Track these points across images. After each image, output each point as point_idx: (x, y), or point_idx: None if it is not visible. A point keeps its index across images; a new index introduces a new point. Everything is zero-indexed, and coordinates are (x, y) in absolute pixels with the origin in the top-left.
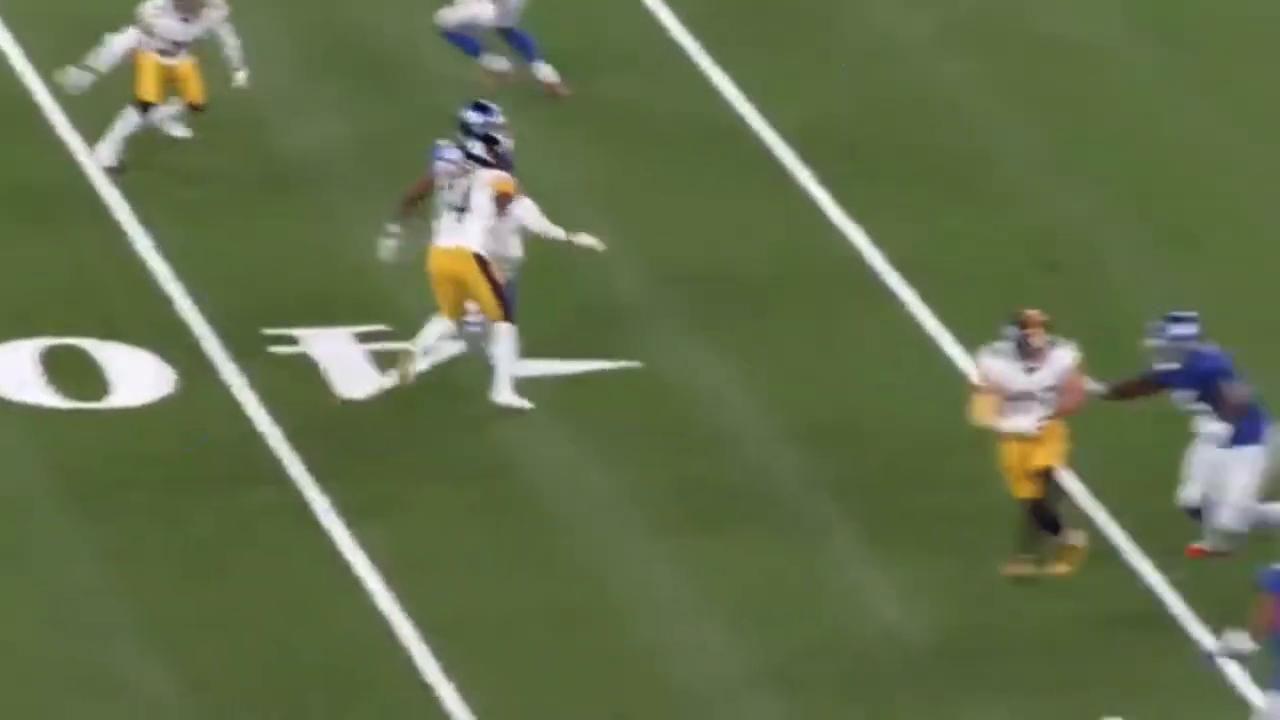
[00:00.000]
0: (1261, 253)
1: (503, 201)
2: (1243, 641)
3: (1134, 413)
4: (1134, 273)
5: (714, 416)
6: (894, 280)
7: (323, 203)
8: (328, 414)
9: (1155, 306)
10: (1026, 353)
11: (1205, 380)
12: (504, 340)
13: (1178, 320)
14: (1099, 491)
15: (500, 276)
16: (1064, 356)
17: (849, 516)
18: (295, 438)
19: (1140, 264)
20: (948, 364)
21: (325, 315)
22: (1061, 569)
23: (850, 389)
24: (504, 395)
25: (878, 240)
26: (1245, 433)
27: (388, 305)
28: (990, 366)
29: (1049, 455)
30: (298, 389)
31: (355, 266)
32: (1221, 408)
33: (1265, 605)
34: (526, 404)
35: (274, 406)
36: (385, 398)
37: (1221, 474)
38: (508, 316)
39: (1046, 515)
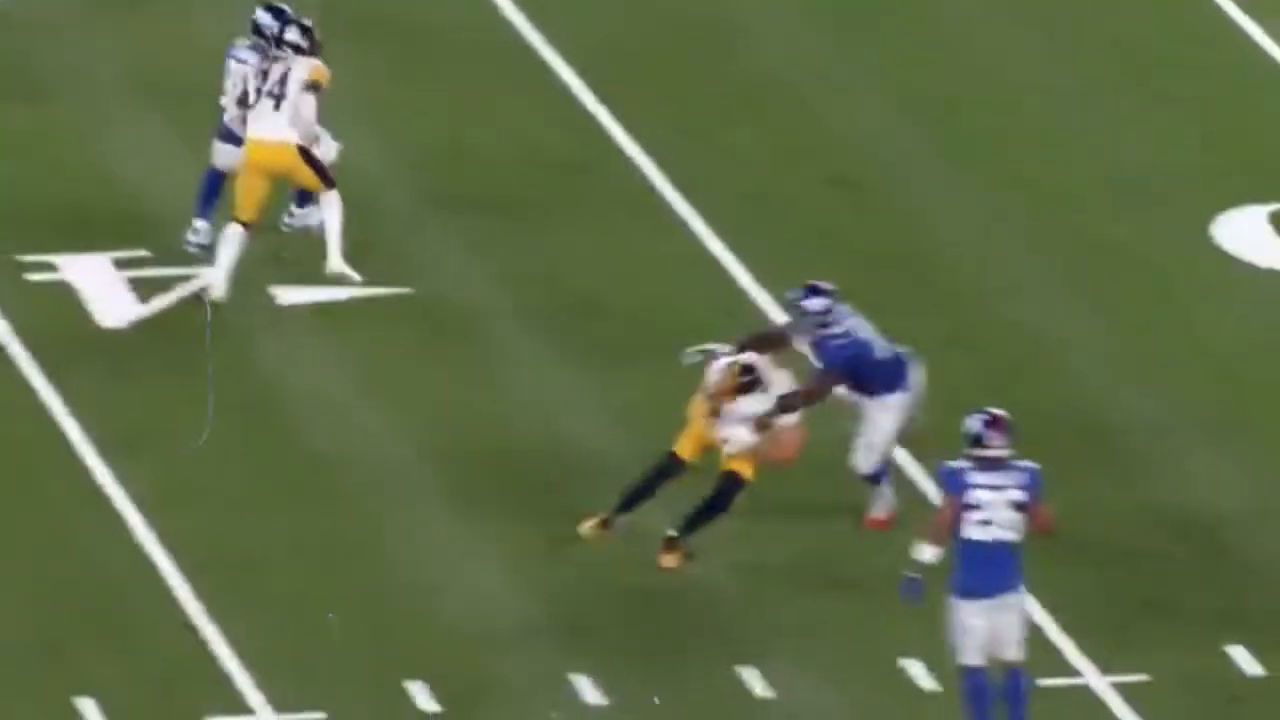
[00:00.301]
0: (1053, 165)
1: (315, 89)
2: (926, 551)
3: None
4: (927, 188)
5: (490, 345)
6: (678, 200)
7: (82, 122)
8: (86, 343)
9: (947, 222)
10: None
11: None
12: (332, 208)
13: (814, 292)
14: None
15: (317, 153)
16: (752, 405)
17: (633, 449)
18: (52, 368)
19: (933, 179)
20: (736, 287)
21: (84, 240)
22: (667, 562)
23: (635, 313)
24: (335, 264)
25: (661, 160)
26: (889, 381)
27: (149, 230)
28: (712, 372)
29: (741, 462)
30: (56, 317)
31: (116, 189)
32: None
33: (946, 506)
34: (357, 276)
35: (30, 336)
36: (146, 327)
37: (865, 420)
38: (331, 184)
39: (705, 510)
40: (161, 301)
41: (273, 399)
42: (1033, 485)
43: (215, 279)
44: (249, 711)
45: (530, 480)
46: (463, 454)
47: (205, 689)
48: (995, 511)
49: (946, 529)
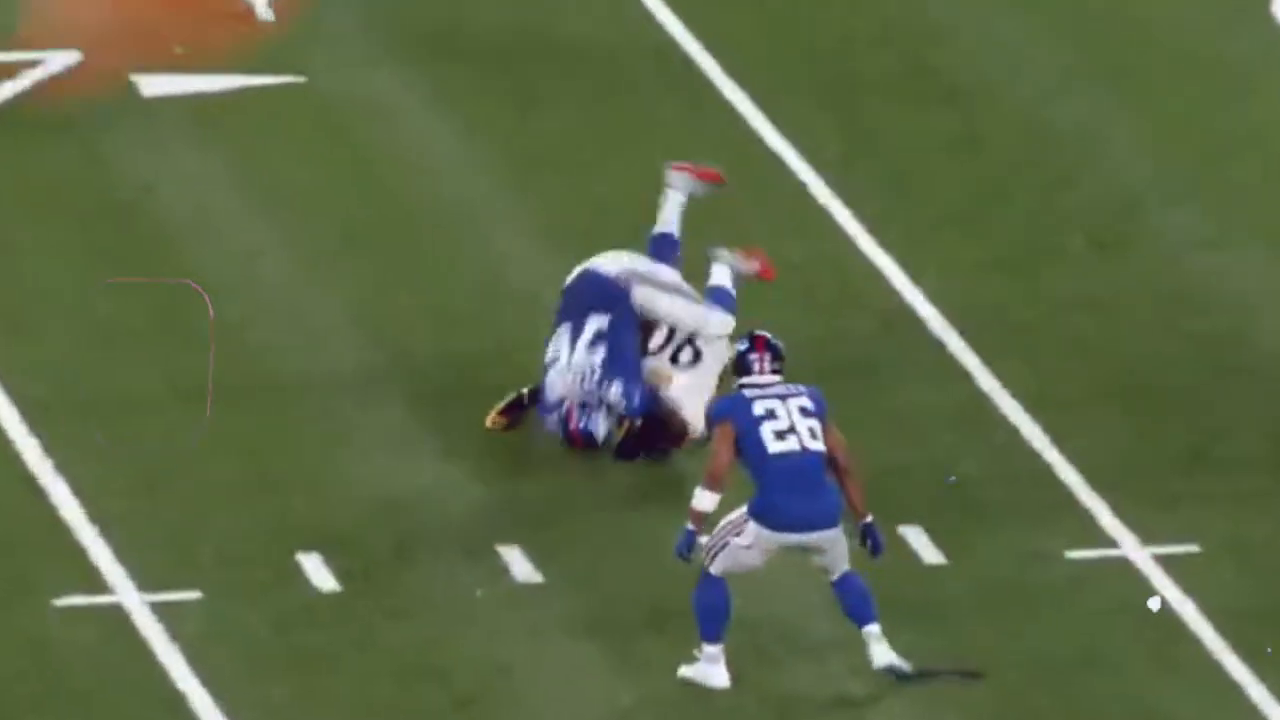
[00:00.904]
0: None
1: None
2: (706, 499)
3: None
4: None
5: (392, 141)
6: None
7: None
8: None
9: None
10: None
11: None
12: None
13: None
14: None
15: None
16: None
17: (560, 268)
18: None
19: None
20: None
21: None
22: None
23: (571, 104)
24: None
25: None
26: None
27: None
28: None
29: None
30: None
31: None
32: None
33: (721, 440)
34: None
35: None
36: None
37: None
38: None
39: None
40: None
41: (139, 209)
42: (817, 400)
43: None
44: (107, 591)
45: (444, 302)
46: (366, 273)
47: (52, 563)
48: (792, 418)
49: (725, 466)
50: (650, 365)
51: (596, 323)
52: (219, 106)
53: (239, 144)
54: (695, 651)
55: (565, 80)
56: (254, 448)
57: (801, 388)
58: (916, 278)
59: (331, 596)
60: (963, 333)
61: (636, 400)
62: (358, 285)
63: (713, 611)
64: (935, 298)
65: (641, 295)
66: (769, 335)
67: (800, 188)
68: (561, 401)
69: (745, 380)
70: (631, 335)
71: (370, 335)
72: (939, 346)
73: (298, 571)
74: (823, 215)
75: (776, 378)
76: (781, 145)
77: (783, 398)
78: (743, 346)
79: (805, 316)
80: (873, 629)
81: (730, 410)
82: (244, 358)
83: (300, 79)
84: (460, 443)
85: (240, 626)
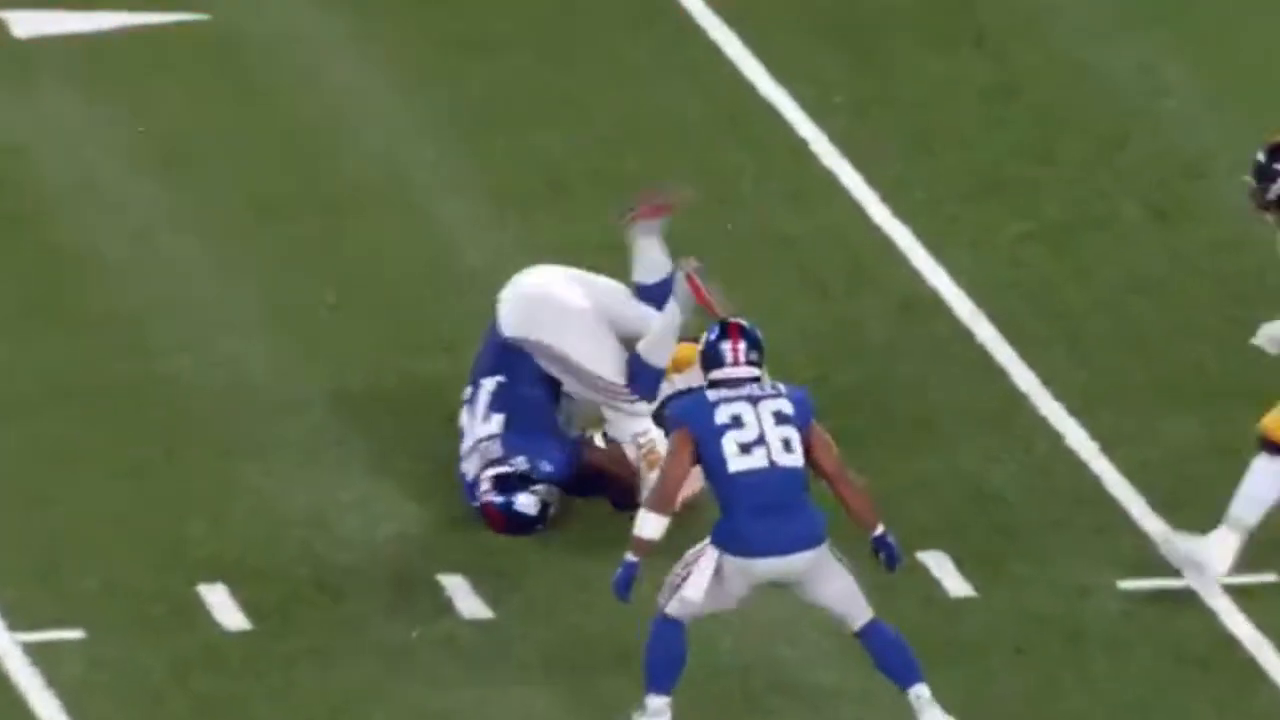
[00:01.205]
0: None
1: None
2: (649, 523)
3: None
4: None
5: (314, 93)
6: None
7: None
8: None
9: None
10: None
11: None
12: None
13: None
14: None
15: None
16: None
17: (507, 238)
18: None
19: None
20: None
21: None
22: None
23: (508, 49)
24: None
25: None
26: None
27: None
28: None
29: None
30: None
31: None
32: None
33: (676, 449)
34: None
35: None
36: None
37: None
38: None
39: None
40: None
41: (7, 175)
42: (799, 404)
43: None
44: None
45: (374, 284)
46: (281, 250)
47: None
48: (762, 426)
49: (678, 484)
50: (651, 435)
51: (490, 385)
52: (106, 49)
53: (129, 95)
54: (639, 706)
55: (517, 19)
56: (147, 460)
57: (781, 387)
58: (940, 253)
59: (239, 636)
60: (994, 318)
61: (549, 467)
62: (271, 265)
63: (665, 661)
64: (963, 278)
65: (546, 366)
66: (744, 322)
67: (801, 145)
68: (477, 481)
69: (715, 374)
70: (529, 389)
71: (286, 324)
72: (967, 336)
73: (199, 607)
74: (828, 179)
75: (753, 370)
76: (778, 94)
77: (754, 400)
78: (713, 335)
79: (806, 301)
80: (920, 691)
81: (687, 416)
82: (136, 353)
83: (203, 16)
84: (393, 453)
85: (131, 671)
